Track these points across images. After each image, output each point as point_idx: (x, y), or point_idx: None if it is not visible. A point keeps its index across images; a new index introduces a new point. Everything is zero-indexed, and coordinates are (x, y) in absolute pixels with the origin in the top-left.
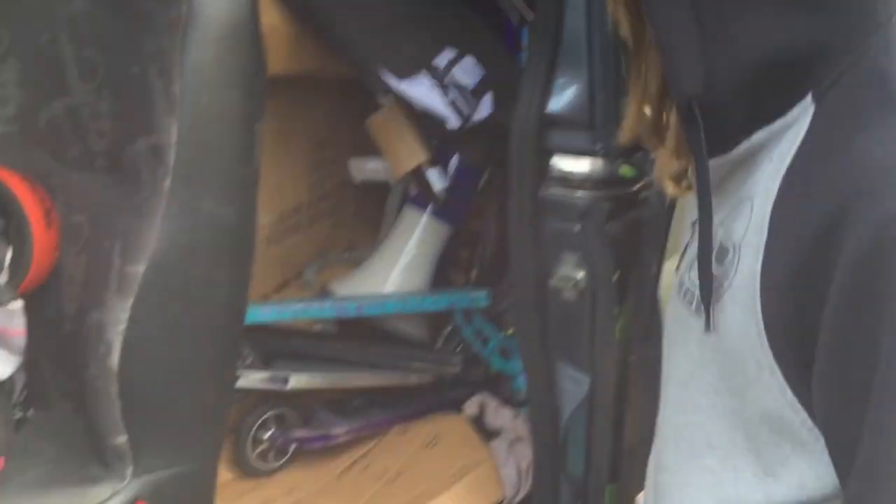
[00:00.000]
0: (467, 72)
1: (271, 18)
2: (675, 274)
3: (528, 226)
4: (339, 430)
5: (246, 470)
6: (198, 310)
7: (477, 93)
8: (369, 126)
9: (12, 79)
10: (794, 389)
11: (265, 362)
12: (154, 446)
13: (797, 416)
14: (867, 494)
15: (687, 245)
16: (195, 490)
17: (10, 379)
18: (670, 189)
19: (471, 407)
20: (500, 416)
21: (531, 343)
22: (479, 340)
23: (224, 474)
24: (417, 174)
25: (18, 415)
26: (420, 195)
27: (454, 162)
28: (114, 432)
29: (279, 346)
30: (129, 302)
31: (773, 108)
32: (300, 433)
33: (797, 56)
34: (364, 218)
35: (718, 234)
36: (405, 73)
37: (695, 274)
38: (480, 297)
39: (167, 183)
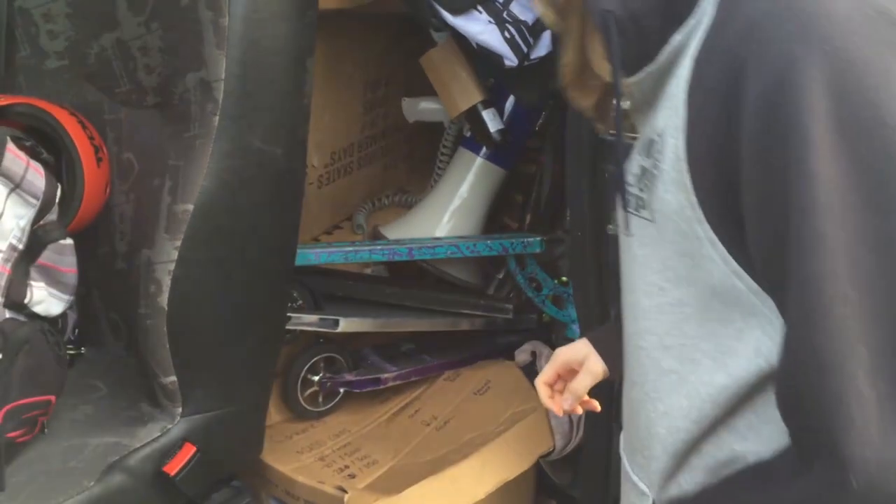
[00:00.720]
0: (525, 7)
1: None
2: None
3: (586, 169)
4: (389, 375)
5: (295, 412)
6: (246, 250)
7: (535, 30)
8: (423, 64)
9: (62, 12)
10: (735, 257)
11: (315, 305)
12: (203, 387)
13: (742, 282)
14: (803, 329)
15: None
16: (243, 431)
17: (63, 317)
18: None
19: (522, 354)
20: None
21: (586, 290)
22: (532, 287)
23: (273, 416)
24: (472, 115)
25: (72, 352)
26: (474, 137)
27: (510, 103)
28: (164, 372)
29: (330, 288)
30: (179, 241)
31: (684, 8)
32: (349, 377)
33: None
34: (416, 160)
35: (646, 133)
36: (460, 7)
37: (631, 177)
38: (534, 242)
39: (216, 119)
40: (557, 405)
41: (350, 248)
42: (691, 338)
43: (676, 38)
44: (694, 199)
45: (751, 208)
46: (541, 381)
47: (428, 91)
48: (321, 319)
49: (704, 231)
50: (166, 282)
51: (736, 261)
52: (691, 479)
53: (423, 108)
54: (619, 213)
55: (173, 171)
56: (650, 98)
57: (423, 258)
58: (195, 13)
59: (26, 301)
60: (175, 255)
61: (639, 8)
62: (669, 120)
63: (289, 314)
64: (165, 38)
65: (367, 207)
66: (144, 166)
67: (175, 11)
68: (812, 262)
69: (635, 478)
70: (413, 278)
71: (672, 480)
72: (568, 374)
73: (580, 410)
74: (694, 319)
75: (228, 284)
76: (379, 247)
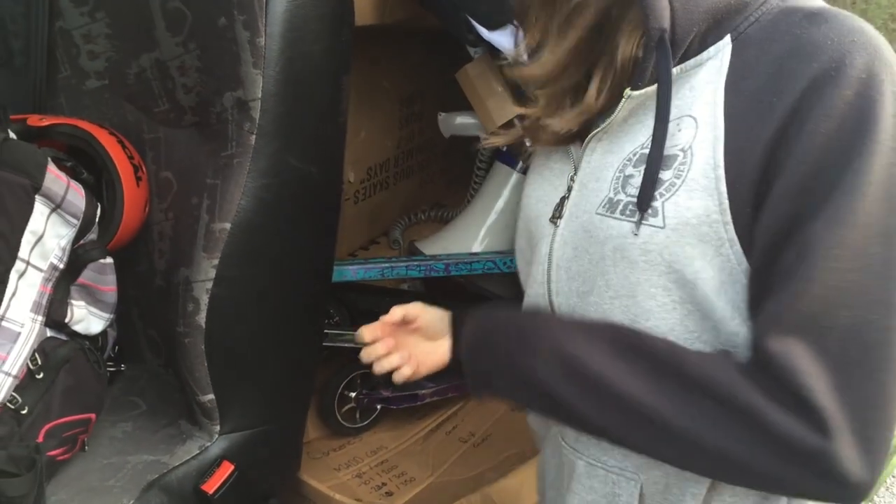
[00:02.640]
0: None
1: None
2: (574, 215)
3: None
4: (426, 391)
5: (333, 429)
6: (283, 268)
7: None
8: (459, 79)
9: (102, 32)
10: (747, 256)
11: (352, 321)
12: (241, 405)
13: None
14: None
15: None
16: (281, 449)
17: (103, 335)
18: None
19: None
20: None
21: None
22: None
23: (311, 432)
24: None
25: (112, 369)
26: (510, 151)
27: None
28: (202, 390)
29: (366, 304)
30: (216, 259)
31: (695, 48)
32: (386, 393)
33: (731, 4)
34: (452, 174)
35: (646, 150)
36: (496, 23)
37: (633, 189)
38: None
39: (253, 138)
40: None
41: (386, 265)
42: (693, 331)
43: (672, 71)
44: (726, 202)
45: (795, 176)
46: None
47: (464, 105)
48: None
49: (727, 232)
50: (204, 300)
51: (747, 260)
52: None
53: (460, 123)
54: (621, 224)
55: (211, 189)
56: (640, 115)
57: (460, 273)
58: (232, 33)
59: (67, 320)
60: (213, 273)
61: (683, 28)
62: (702, 137)
63: (326, 331)
64: (203, 58)
65: (403, 222)
66: (183, 185)
67: (212, 31)
68: (854, 204)
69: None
70: (451, 293)
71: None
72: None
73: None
74: (697, 314)
75: (266, 302)
76: (415, 262)
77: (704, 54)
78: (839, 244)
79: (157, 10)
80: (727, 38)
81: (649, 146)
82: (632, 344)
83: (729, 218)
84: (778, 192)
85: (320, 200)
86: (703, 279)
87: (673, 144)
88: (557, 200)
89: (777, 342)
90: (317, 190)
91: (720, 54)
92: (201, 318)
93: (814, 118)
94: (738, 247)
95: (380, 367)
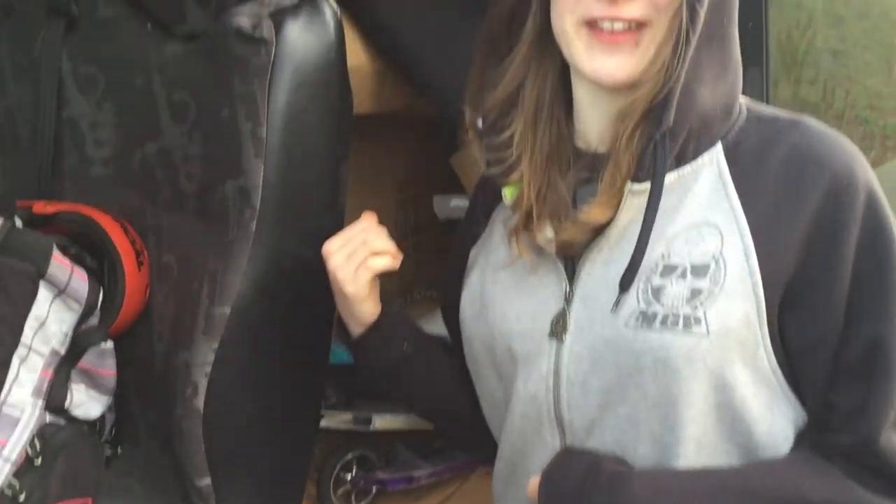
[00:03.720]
0: None
1: (358, 59)
2: (590, 331)
3: None
4: (422, 472)
5: None
6: (282, 352)
7: None
8: (454, 164)
9: (108, 121)
10: (776, 354)
11: (348, 402)
12: (238, 488)
13: (776, 377)
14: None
15: (617, 300)
16: None
17: (101, 418)
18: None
19: None
20: None
21: None
22: None
23: None
24: None
25: (108, 452)
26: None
27: None
28: (199, 474)
29: (362, 385)
30: (216, 343)
31: (689, 154)
32: (383, 475)
33: (717, 111)
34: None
35: (670, 260)
36: None
37: (669, 299)
38: None
39: (253, 225)
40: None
41: None
42: (724, 433)
43: (669, 177)
44: (763, 305)
45: (839, 283)
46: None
47: (458, 189)
48: (354, 417)
49: (763, 333)
50: (203, 384)
51: (775, 358)
52: None
53: (455, 206)
54: (662, 336)
55: (211, 274)
56: (639, 221)
57: None
58: (235, 124)
59: (67, 404)
60: (212, 357)
61: (679, 126)
62: (730, 245)
63: (322, 412)
64: (206, 148)
65: (398, 303)
66: (183, 269)
67: (216, 122)
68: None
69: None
70: None
71: None
72: None
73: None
74: (731, 416)
75: (263, 386)
76: None
77: (699, 161)
78: None
79: (163, 101)
80: (719, 145)
81: (668, 255)
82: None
83: (765, 320)
84: (821, 299)
85: (319, 284)
86: (741, 382)
87: (702, 252)
88: (553, 315)
89: (888, 442)
90: (315, 275)
91: (714, 162)
92: (199, 401)
93: (840, 228)
94: (769, 347)
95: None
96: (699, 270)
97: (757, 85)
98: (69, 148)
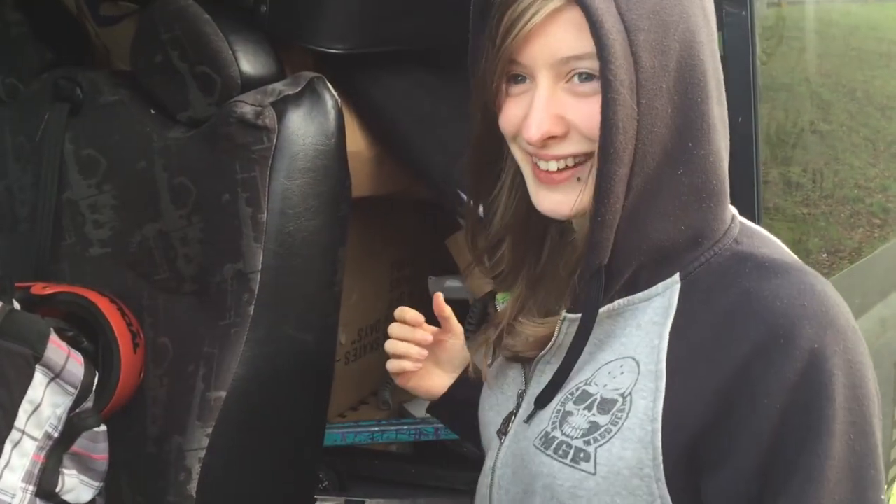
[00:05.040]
0: None
1: (357, 144)
2: (516, 438)
3: None
4: None
5: None
6: (276, 437)
7: None
8: (448, 245)
9: (108, 203)
10: None
11: (341, 486)
12: None
13: None
14: None
15: (531, 412)
16: None
17: (91, 503)
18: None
19: None
20: None
21: None
22: None
23: None
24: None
25: None
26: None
27: None
28: None
29: (355, 468)
30: (210, 428)
31: (643, 282)
32: None
33: (679, 242)
34: None
35: (589, 388)
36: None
37: (569, 428)
38: None
39: (252, 309)
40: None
41: (376, 428)
42: None
43: (618, 303)
44: (660, 458)
45: (749, 453)
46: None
47: (452, 270)
48: (347, 501)
49: (659, 489)
50: (196, 469)
51: None
52: None
53: (449, 287)
54: (552, 462)
55: (207, 357)
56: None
57: (451, 438)
58: (235, 208)
59: (58, 490)
60: (206, 442)
61: (623, 261)
62: (641, 385)
63: (315, 496)
64: (206, 231)
65: (392, 383)
66: (179, 352)
67: (216, 206)
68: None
69: None
70: (439, 455)
71: None
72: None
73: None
74: None
75: (257, 469)
76: (405, 426)
77: (653, 290)
78: None
79: (164, 184)
80: (676, 276)
81: (590, 382)
82: None
83: (662, 475)
84: (731, 471)
85: (314, 368)
86: None
87: (615, 387)
88: (506, 414)
89: None
90: (311, 358)
91: (668, 293)
92: (192, 487)
93: (763, 391)
94: (668, 502)
95: (393, 348)
96: (605, 406)
97: (748, 173)
98: (68, 229)
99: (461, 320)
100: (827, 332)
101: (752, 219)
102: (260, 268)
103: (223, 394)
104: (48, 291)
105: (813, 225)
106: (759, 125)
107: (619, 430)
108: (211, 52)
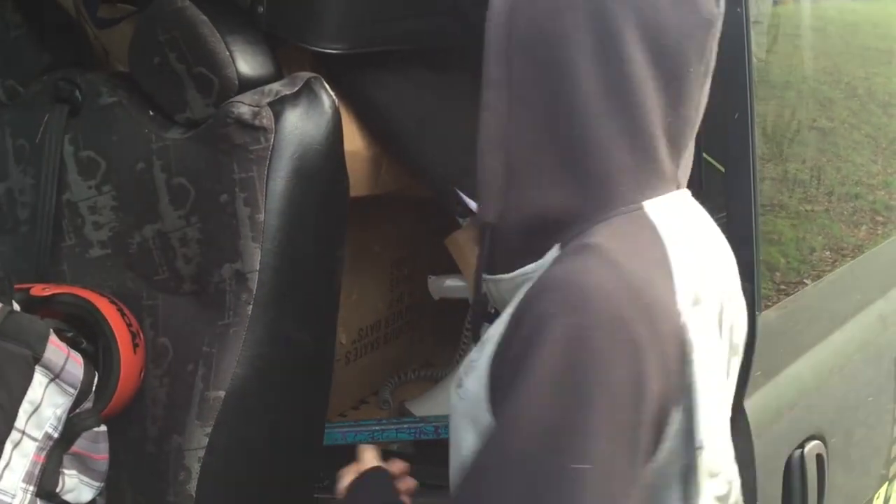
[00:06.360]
0: None
1: (354, 143)
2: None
3: None
4: None
5: None
6: (276, 436)
7: None
8: (448, 245)
9: (108, 204)
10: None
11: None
12: None
13: None
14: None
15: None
16: None
17: (91, 503)
18: None
19: None
20: None
21: None
22: None
23: None
24: None
25: None
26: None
27: None
28: None
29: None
30: (209, 428)
31: (539, 249)
32: None
33: (565, 215)
34: (442, 335)
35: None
36: None
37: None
38: None
39: (250, 308)
40: None
41: (376, 427)
42: None
43: (529, 267)
44: (488, 391)
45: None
46: None
47: (453, 269)
48: None
49: (487, 406)
50: (195, 468)
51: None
52: None
53: (449, 286)
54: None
55: (207, 357)
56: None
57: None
58: (233, 209)
59: (58, 490)
60: (205, 441)
61: (510, 229)
62: (493, 330)
63: (315, 495)
64: (204, 231)
65: (392, 382)
66: (179, 352)
67: (214, 207)
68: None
69: None
70: (440, 454)
71: None
72: None
73: None
74: None
75: (257, 469)
76: (406, 425)
77: (544, 259)
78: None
79: (162, 185)
80: (557, 247)
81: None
82: None
83: (488, 404)
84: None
85: (314, 367)
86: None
87: (490, 334)
88: None
89: None
90: (311, 357)
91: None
92: (192, 486)
93: (516, 336)
94: (490, 417)
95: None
96: (480, 346)
97: (744, 168)
98: (68, 230)
99: (461, 320)
100: (564, 304)
101: (750, 215)
102: (258, 268)
103: (222, 393)
104: (48, 293)
105: (815, 222)
106: (756, 122)
107: (476, 367)
108: (208, 53)
